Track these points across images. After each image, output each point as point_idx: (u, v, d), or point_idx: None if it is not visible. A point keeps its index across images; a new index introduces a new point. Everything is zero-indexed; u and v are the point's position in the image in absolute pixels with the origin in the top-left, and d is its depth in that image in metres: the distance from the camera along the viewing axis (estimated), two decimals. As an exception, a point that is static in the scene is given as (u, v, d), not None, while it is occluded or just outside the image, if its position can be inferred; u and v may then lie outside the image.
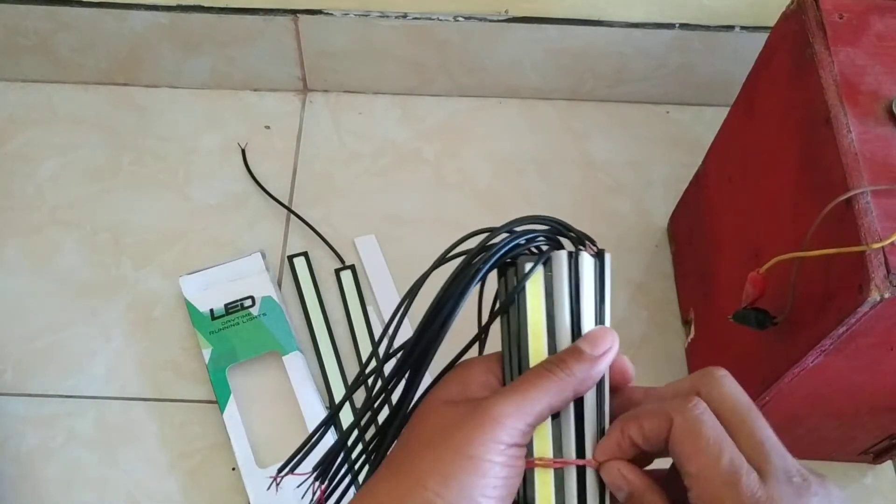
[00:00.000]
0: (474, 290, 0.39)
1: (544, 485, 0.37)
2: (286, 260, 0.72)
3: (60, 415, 0.65)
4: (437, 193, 0.77)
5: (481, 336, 0.41)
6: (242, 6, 0.74)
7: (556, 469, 0.37)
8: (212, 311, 0.67)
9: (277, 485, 0.44)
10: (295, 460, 0.43)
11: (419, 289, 0.40)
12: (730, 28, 0.74)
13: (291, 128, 0.80)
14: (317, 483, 0.43)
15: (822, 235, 0.43)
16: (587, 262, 0.38)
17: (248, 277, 0.69)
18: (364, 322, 0.69)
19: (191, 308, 0.67)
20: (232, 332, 0.66)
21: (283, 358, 0.65)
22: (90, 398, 0.65)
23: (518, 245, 0.38)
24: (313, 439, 0.43)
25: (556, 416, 0.37)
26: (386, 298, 0.70)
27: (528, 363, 0.37)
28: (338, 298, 0.70)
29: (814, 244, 0.43)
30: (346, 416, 0.64)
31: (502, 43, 0.76)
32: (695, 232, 0.68)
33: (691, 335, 0.67)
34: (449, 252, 0.40)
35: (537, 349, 0.38)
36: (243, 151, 0.78)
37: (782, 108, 0.51)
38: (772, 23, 0.53)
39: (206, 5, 0.74)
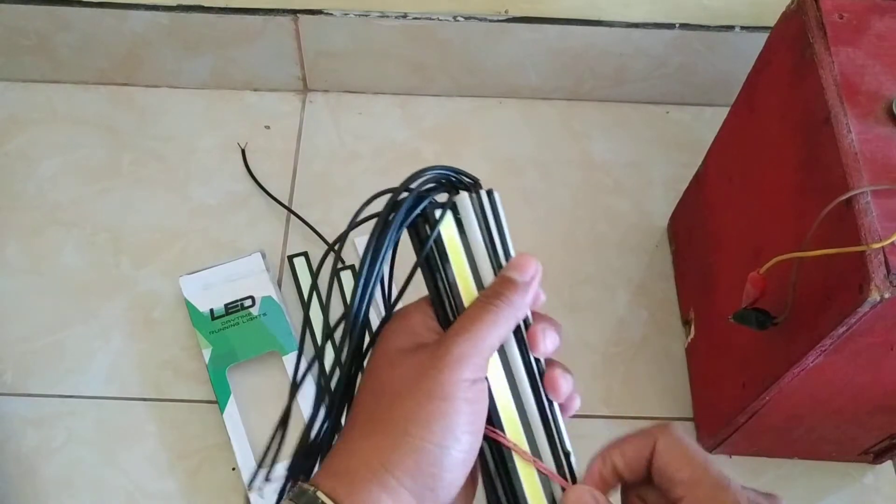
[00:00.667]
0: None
1: (529, 478, 0.40)
2: (286, 260, 0.72)
3: (60, 415, 0.65)
4: (437, 193, 0.77)
5: (407, 287, 0.43)
6: (242, 6, 0.74)
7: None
8: (212, 311, 0.67)
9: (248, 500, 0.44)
10: (263, 473, 0.46)
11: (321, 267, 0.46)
12: (730, 28, 0.74)
13: (291, 128, 0.80)
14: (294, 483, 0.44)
15: (822, 235, 0.43)
16: (487, 199, 0.42)
17: (248, 277, 0.69)
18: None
19: (191, 308, 0.67)
20: (232, 332, 0.66)
21: (283, 358, 0.65)
22: (90, 398, 0.65)
23: (421, 200, 0.41)
24: (271, 447, 0.44)
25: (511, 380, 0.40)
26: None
27: (462, 300, 0.40)
28: (338, 298, 0.70)
29: (814, 244, 0.43)
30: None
31: (502, 43, 0.76)
32: (695, 232, 0.68)
33: (691, 335, 0.67)
34: (356, 218, 0.44)
35: (466, 286, 0.40)
36: (243, 151, 0.78)
37: (782, 108, 0.51)
38: (772, 23, 0.53)
39: (206, 5, 0.74)
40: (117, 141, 0.79)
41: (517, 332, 0.41)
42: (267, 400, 0.65)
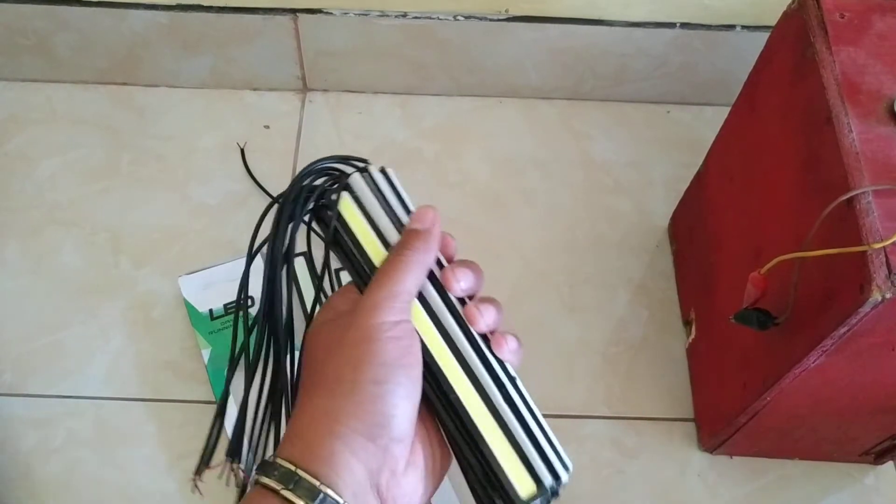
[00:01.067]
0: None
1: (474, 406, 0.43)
2: (286, 260, 0.72)
3: (59, 415, 0.65)
4: (437, 193, 0.76)
5: (326, 267, 0.47)
6: (242, 5, 0.74)
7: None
8: (211, 311, 0.67)
9: (197, 487, 0.49)
10: (202, 459, 0.51)
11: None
12: (731, 27, 0.74)
13: (291, 127, 0.80)
14: (234, 466, 0.47)
15: (823, 235, 0.43)
16: (381, 176, 0.47)
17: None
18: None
19: (190, 308, 0.67)
20: (231, 332, 0.66)
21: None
22: (89, 398, 0.65)
23: (311, 193, 0.46)
24: (212, 436, 0.50)
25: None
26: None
27: (373, 265, 0.44)
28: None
29: (815, 244, 0.43)
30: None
31: (502, 43, 0.76)
32: (696, 232, 0.68)
33: (692, 335, 0.67)
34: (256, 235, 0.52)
35: (376, 253, 0.44)
36: (242, 151, 0.78)
37: (783, 107, 0.51)
38: (773, 22, 0.52)
39: (205, 5, 0.74)
40: (117, 140, 0.78)
41: (433, 277, 0.44)
42: (266, 400, 0.65)
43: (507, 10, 0.74)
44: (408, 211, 0.46)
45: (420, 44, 0.77)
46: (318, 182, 0.47)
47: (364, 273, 0.44)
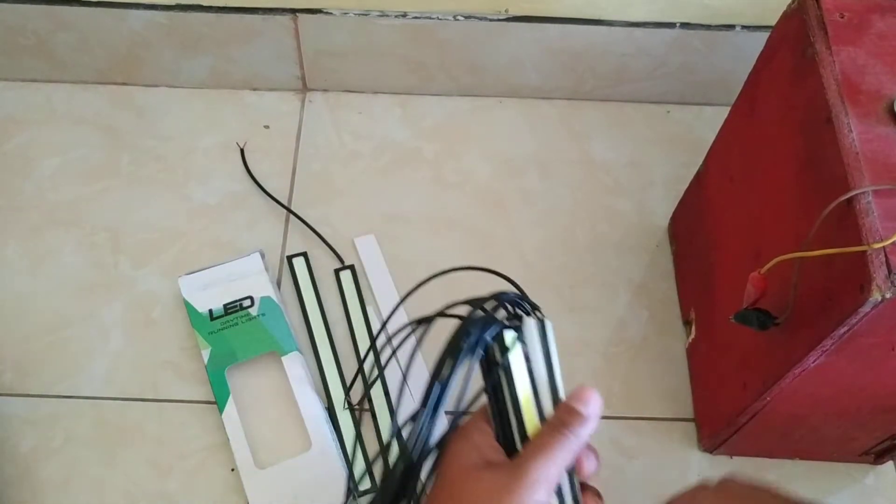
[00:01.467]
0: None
1: None
2: (285, 260, 0.72)
3: (59, 415, 0.65)
4: (436, 193, 0.76)
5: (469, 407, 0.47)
6: (242, 6, 0.74)
7: None
8: (211, 311, 0.67)
9: None
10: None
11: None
12: (731, 27, 0.74)
13: (291, 127, 0.80)
14: None
15: (823, 235, 0.43)
16: (550, 327, 0.45)
17: (248, 277, 0.69)
18: (363, 322, 0.69)
19: (190, 308, 0.67)
20: (231, 332, 0.66)
21: (282, 358, 0.65)
22: (89, 398, 0.65)
23: (489, 325, 0.44)
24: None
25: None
26: (386, 298, 0.70)
27: (524, 424, 0.44)
28: (337, 299, 0.70)
29: (815, 244, 0.42)
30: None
31: (502, 43, 0.76)
32: (695, 232, 0.68)
33: (692, 335, 0.67)
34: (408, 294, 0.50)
35: (529, 410, 0.44)
36: (242, 151, 0.78)
37: (783, 107, 0.51)
38: (773, 22, 0.52)
39: (205, 5, 0.74)
40: (116, 141, 0.78)
41: None
42: (266, 400, 0.65)
43: (507, 10, 0.73)
44: (557, 375, 0.45)
45: (420, 44, 0.77)
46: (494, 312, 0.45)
47: (512, 425, 0.44)
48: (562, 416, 0.44)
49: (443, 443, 0.45)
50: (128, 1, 0.73)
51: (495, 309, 0.45)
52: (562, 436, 0.43)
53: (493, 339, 0.44)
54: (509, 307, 0.46)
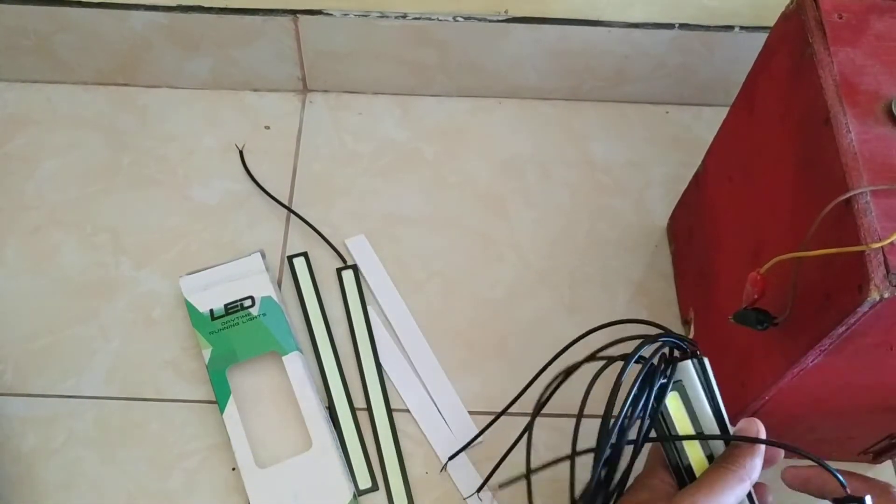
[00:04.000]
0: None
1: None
2: (286, 260, 0.72)
3: (60, 415, 0.65)
4: (436, 193, 0.77)
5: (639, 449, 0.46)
6: (242, 6, 0.74)
7: None
8: (211, 311, 0.67)
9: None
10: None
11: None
12: (729, 28, 0.74)
13: (291, 128, 0.80)
14: None
15: (821, 235, 0.43)
16: (708, 364, 0.45)
17: (248, 277, 0.69)
18: (364, 322, 0.69)
19: (190, 308, 0.67)
20: (232, 332, 0.66)
21: (283, 358, 0.65)
22: (90, 398, 0.65)
23: (650, 372, 0.45)
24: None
25: None
26: (386, 297, 0.70)
27: (689, 459, 0.44)
28: (337, 298, 0.70)
29: (813, 244, 0.43)
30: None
31: (502, 43, 0.76)
32: (694, 232, 0.68)
33: (691, 335, 0.67)
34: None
35: (693, 447, 0.44)
36: (241, 152, 0.78)
37: (782, 108, 0.51)
38: (771, 23, 0.53)
39: (206, 5, 0.74)
40: (117, 141, 0.79)
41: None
42: (266, 400, 0.65)
43: (506, 11, 0.74)
44: (715, 404, 0.45)
45: (420, 45, 0.77)
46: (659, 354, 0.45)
47: (675, 460, 0.45)
48: (732, 452, 0.44)
49: (621, 490, 0.46)
50: (129, 2, 0.73)
51: (659, 349, 0.45)
52: (728, 472, 0.43)
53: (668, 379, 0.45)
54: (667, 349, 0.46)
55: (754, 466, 0.43)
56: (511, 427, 0.58)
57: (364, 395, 0.66)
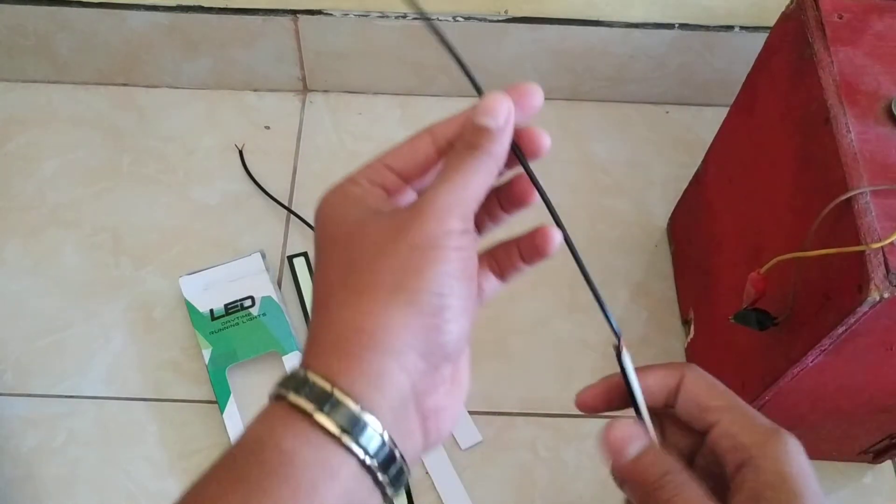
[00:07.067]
0: None
1: None
2: (286, 260, 0.72)
3: (60, 415, 0.65)
4: (436, 193, 0.77)
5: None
6: (242, 6, 0.74)
7: None
8: (212, 311, 0.67)
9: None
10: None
11: None
12: (729, 28, 0.74)
13: (291, 128, 0.80)
14: None
15: (821, 235, 0.43)
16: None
17: (248, 277, 0.69)
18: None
19: (191, 308, 0.68)
20: (232, 332, 0.66)
21: (283, 358, 0.65)
22: (90, 398, 0.65)
23: None
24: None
25: None
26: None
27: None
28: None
29: (813, 244, 0.43)
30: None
31: (502, 43, 0.76)
32: (694, 232, 0.68)
33: (691, 335, 0.67)
34: None
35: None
36: (241, 152, 0.78)
37: (782, 108, 0.51)
38: (771, 23, 0.53)
39: (205, 5, 0.74)
40: (117, 141, 0.79)
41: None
42: (267, 400, 0.65)
43: (506, 11, 0.74)
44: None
45: (420, 44, 0.77)
46: None
47: None
48: (468, 137, 0.37)
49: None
50: (129, 2, 0.73)
51: None
52: (471, 158, 0.36)
53: None
54: None
55: (494, 149, 0.37)
56: (511, 427, 0.58)
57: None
